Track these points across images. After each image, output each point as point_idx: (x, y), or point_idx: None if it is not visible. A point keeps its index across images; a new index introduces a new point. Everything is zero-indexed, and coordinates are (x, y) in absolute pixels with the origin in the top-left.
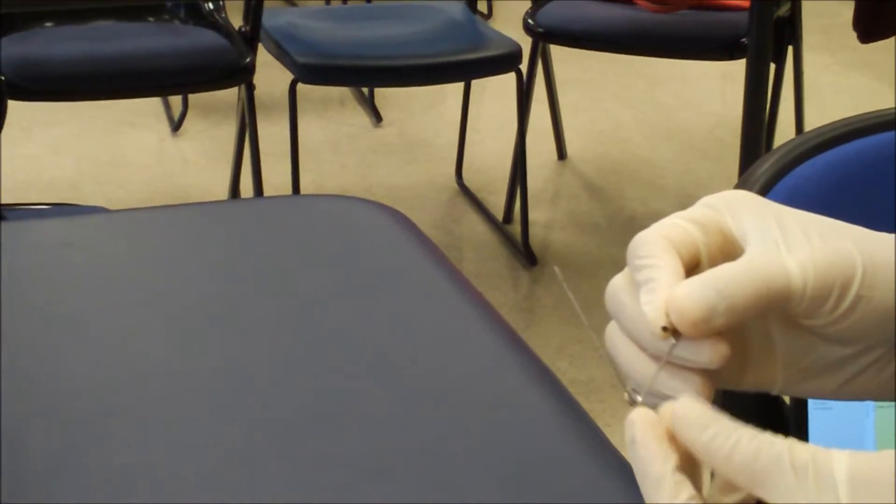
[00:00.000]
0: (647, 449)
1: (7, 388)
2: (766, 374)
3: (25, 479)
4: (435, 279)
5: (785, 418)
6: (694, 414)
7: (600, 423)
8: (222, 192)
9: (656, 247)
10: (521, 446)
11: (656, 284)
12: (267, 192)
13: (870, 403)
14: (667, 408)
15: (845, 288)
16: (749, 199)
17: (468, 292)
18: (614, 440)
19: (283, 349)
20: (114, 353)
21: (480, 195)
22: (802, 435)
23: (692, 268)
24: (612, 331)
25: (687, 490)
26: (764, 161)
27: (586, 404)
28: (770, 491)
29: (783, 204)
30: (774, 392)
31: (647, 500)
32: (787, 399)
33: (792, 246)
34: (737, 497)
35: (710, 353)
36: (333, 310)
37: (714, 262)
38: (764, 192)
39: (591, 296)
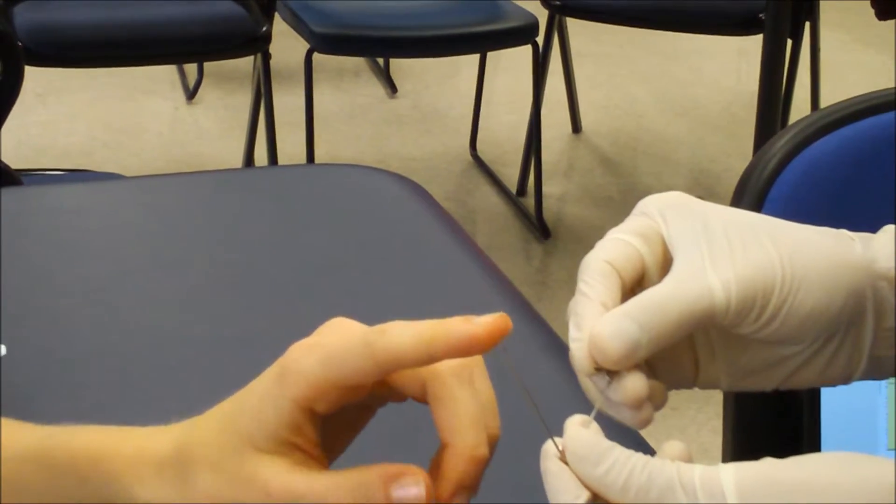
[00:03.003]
0: (560, 481)
1: (19, 352)
2: (712, 374)
3: None
4: (450, 249)
5: (798, 393)
6: (585, 448)
7: None
8: (236, 161)
9: (595, 275)
10: (533, 420)
11: (581, 321)
12: (281, 161)
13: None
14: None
15: (766, 298)
16: (680, 203)
17: (482, 263)
18: None
19: (296, 317)
20: (126, 318)
21: (494, 167)
22: (815, 410)
23: (638, 280)
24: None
25: None
26: (780, 137)
27: None
28: None
29: (799, 180)
30: (723, 389)
31: None
32: None
33: (716, 260)
34: None
35: (626, 394)
36: (347, 278)
37: (659, 269)
38: (780, 168)
39: None
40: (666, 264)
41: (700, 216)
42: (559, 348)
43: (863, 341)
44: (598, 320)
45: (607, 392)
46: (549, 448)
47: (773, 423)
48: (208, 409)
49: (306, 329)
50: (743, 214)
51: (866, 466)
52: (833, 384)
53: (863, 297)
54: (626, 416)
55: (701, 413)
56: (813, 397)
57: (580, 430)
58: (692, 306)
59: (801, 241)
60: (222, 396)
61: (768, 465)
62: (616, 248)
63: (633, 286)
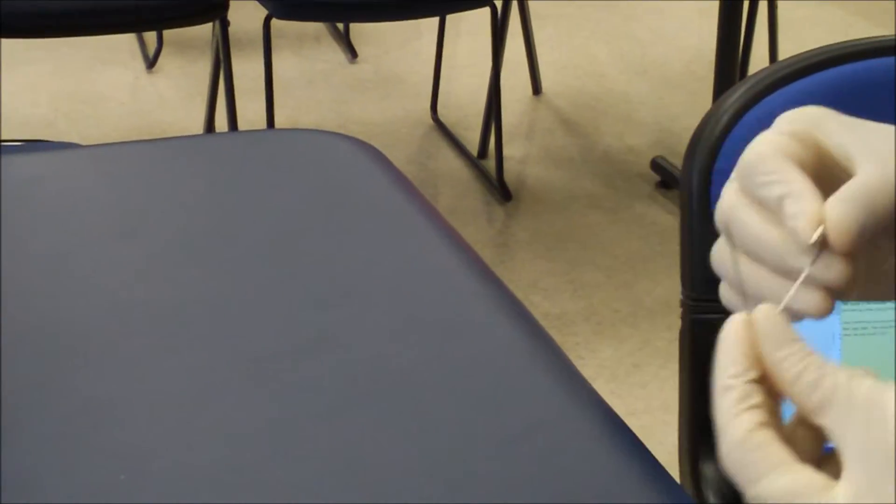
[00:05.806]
0: (736, 350)
1: None
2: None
3: None
4: (408, 213)
5: None
6: (774, 330)
7: (573, 356)
8: (198, 128)
9: (781, 162)
10: (492, 379)
11: (800, 197)
12: (242, 128)
13: (836, 331)
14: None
15: None
16: (831, 115)
17: (441, 227)
18: (586, 373)
19: (256, 282)
20: (87, 286)
21: (455, 130)
22: None
23: None
24: (724, 250)
25: (755, 398)
26: (735, 90)
27: (559, 337)
28: (826, 420)
29: (754, 133)
30: (851, 300)
31: (715, 400)
32: None
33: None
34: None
35: (839, 272)
36: (308, 243)
37: (812, 175)
38: (734, 121)
39: (564, 230)
40: (818, 172)
41: (856, 126)
42: (518, 310)
43: None
44: (825, 202)
45: (813, 269)
46: (739, 315)
47: None
48: (168, 374)
49: (267, 293)
50: (877, 125)
51: None
52: None
53: None
54: (814, 302)
55: (664, 370)
56: None
57: (773, 311)
58: None
59: None
60: (185, 362)
61: None
62: (783, 144)
63: None
